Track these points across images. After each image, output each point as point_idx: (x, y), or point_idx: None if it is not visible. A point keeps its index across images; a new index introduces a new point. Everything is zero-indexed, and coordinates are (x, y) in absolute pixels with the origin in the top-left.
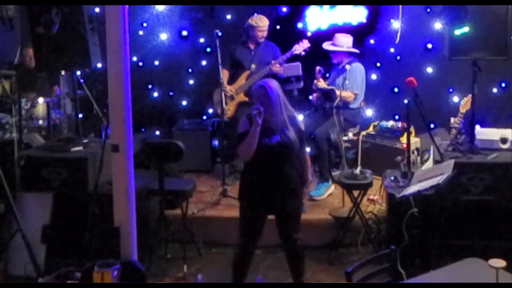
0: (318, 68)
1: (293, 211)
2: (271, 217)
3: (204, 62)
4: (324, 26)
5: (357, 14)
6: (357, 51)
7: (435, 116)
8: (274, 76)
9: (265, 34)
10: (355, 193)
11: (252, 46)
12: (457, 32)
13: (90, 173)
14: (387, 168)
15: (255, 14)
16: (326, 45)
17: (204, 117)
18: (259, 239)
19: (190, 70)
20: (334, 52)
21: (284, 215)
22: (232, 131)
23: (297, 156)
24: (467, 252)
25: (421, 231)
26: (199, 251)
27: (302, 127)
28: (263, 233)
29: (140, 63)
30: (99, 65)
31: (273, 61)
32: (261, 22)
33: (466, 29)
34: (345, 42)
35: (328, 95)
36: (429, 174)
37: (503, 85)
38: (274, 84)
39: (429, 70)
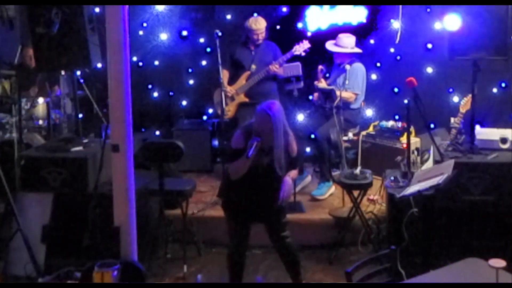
0: (320, 67)
1: (276, 216)
2: None
3: (204, 62)
4: (324, 26)
5: (357, 14)
6: (360, 51)
7: (435, 116)
8: (274, 77)
9: (261, 36)
10: (355, 193)
11: (252, 47)
12: (450, 26)
13: (90, 173)
14: (387, 168)
15: (255, 14)
16: (330, 46)
17: (204, 117)
18: (248, 240)
19: (190, 70)
20: (337, 52)
21: (268, 221)
22: (232, 132)
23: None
24: (467, 252)
25: (421, 231)
26: (199, 251)
27: (295, 150)
28: (258, 232)
29: (140, 63)
30: (99, 65)
31: (273, 62)
32: (255, 26)
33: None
34: (349, 43)
35: (328, 95)
36: (429, 174)
37: (503, 85)
38: (277, 108)
39: (429, 70)
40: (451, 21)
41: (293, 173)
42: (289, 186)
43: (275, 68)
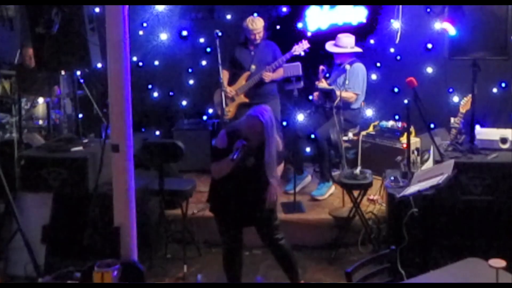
0: (321, 67)
1: (266, 219)
2: None
3: (204, 62)
4: (324, 26)
5: (357, 14)
6: (360, 50)
7: (435, 116)
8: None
9: (258, 36)
10: (355, 193)
11: (251, 47)
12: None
13: (90, 173)
14: (387, 168)
15: (255, 14)
16: (330, 47)
17: (204, 117)
18: (242, 242)
19: (190, 70)
20: (338, 53)
21: (258, 224)
22: None
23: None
24: (467, 252)
25: (421, 231)
26: (199, 251)
27: (281, 147)
28: (252, 235)
29: (140, 63)
30: (99, 65)
31: (267, 67)
32: (251, 26)
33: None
34: (348, 42)
35: (328, 95)
36: (429, 174)
37: (503, 85)
38: (269, 114)
39: (429, 70)
40: (448, 28)
41: (279, 169)
42: (275, 188)
43: (268, 75)
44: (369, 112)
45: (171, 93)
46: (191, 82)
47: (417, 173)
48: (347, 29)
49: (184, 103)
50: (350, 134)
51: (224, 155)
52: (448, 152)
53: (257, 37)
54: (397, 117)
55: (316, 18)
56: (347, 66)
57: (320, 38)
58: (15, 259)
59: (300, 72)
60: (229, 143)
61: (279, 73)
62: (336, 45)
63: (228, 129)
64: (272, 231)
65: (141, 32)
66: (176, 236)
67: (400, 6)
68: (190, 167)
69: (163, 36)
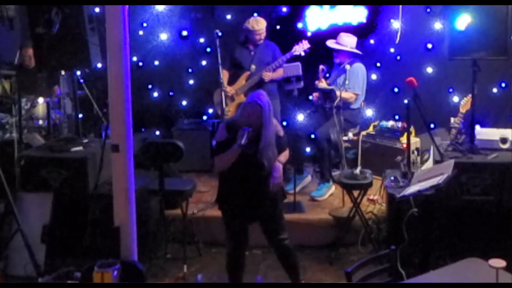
0: (321, 67)
1: (273, 214)
2: None
3: (204, 62)
4: (324, 26)
5: (357, 14)
6: (359, 52)
7: (435, 116)
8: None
9: (262, 36)
10: (355, 193)
11: (251, 47)
12: (460, 24)
13: (90, 173)
14: (387, 168)
15: (255, 14)
16: (330, 43)
17: (204, 117)
18: (247, 241)
19: (190, 70)
20: (337, 51)
21: (264, 220)
22: None
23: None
24: (467, 252)
25: (421, 231)
26: (199, 251)
27: (281, 131)
28: (251, 235)
29: (140, 63)
30: (99, 65)
31: (267, 67)
32: (256, 26)
33: (467, 18)
34: (349, 42)
35: (328, 95)
36: (429, 174)
37: (503, 85)
38: (266, 99)
39: (429, 70)
40: (463, 21)
41: (284, 155)
42: (280, 171)
43: (267, 75)
44: (369, 112)
45: (171, 93)
46: (191, 82)
47: (417, 173)
48: (347, 29)
49: (184, 103)
50: (350, 134)
51: (226, 147)
52: (448, 152)
53: (261, 37)
54: (397, 117)
55: (316, 18)
56: (347, 66)
57: (320, 38)
58: (15, 259)
59: (300, 72)
60: (229, 135)
61: (279, 73)
62: (337, 43)
63: (227, 121)
64: (277, 230)
65: (141, 32)
66: (176, 236)
67: (400, 6)
68: (190, 167)
69: (163, 36)
